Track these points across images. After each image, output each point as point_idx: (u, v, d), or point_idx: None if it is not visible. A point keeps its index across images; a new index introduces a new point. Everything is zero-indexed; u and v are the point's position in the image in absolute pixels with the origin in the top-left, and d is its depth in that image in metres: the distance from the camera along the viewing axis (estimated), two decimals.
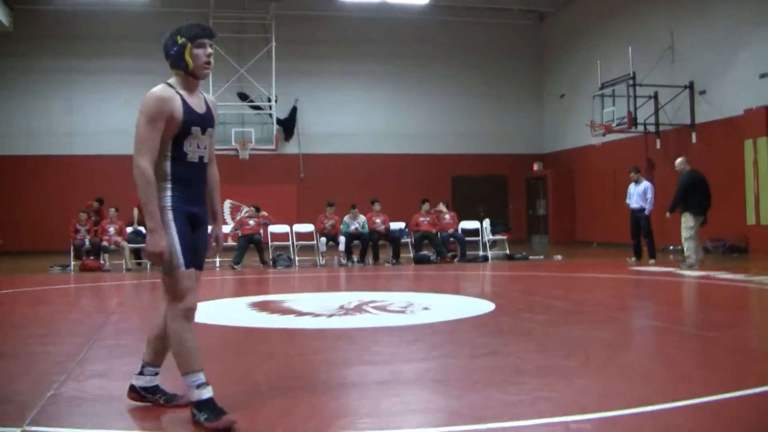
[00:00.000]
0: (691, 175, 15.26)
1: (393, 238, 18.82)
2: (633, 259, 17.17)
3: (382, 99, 28.53)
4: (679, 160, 15.75)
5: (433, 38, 28.60)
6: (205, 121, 4.40)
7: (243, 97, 26.82)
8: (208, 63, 4.39)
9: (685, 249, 15.15)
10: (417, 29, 28.19)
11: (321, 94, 27.79)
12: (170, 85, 4.31)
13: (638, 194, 17.14)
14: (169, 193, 4.24)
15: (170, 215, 4.23)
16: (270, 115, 26.65)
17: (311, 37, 27.41)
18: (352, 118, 28.06)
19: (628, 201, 17.42)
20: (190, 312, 4.34)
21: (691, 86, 21.35)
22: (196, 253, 4.41)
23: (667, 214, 15.71)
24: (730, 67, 19.94)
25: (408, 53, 28.45)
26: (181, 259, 4.26)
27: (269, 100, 26.51)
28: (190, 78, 4.39)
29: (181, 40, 4.35)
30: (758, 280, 12.33)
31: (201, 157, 4.38)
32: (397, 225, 19.45)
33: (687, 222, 15.07)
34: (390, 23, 27.56)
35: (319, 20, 27.32)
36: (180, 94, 4.28)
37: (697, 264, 14.80)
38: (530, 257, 19.55)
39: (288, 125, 27.61)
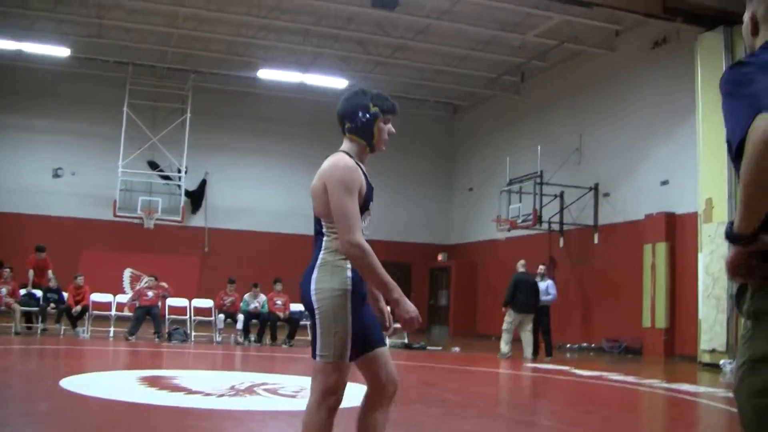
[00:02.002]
0: (515, 277, 16.97)
1: (292, 319, 18.62)
2: (530, 355, 17.30)
3: (294, 178, 28.41)
4: (518, 262, 17.49)
5: None
6: (373, 195, 4.11)
7: (153, 165, 26.52)
8: (387, 140, 4.21)
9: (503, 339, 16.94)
10: (333, 111, 28.10)
11: (232, 168, 27.63)
12: (348, 155, 4.05)
13: (541, 291, 17.35)
14: (349, 273, 3.91)
15: (349, 301, 3.88)
16: (179, 185, 26.36)
17: (227, 111, 27.34)
18: (261, 195, 27.92)
19: None
20: (336, 408, 3.96)
21: (595, 188, 21.90)
22: (366, 337, 3.99)
23: (503, 309, 17.14)
24: (634, 173, 20.56)
25: (323, 135, 28.25)
26: (348, 351, 3.88)
27: (179, 171, 26.24)
28: (367, 150, 4.16)
29: (374, 109, 4.14)
30: (648, 383, 12.51)
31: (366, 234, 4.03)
32: (297, 307, 19.27)
33: (507, 317, 16.90)
34: (307, 104, 27.65)
35: (236, 95, 27.27)
36: (359, 165, 4.03)
37: (509, 354, 16.68)
38: (428, 347, 19.53)
39: (196, 197, 27.33)
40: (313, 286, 3.90)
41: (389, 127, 4.19)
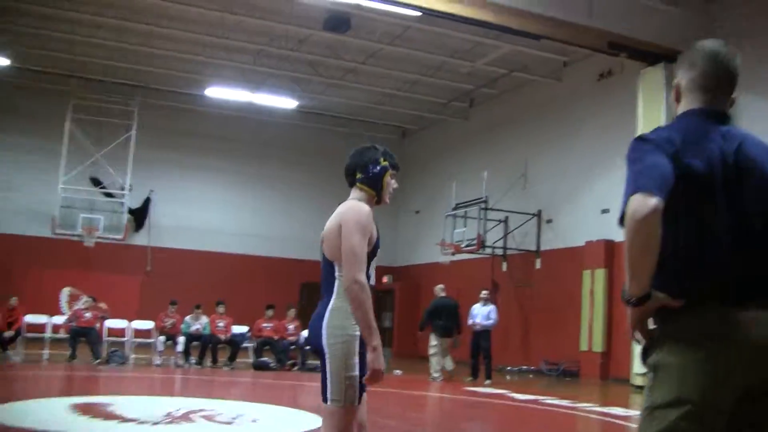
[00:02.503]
0: (434, 302, 17.61)
1: (233, 341, 18.57)
2: (469, 378, 17.47)
3: (240, 198, 28.42)
4: (436, 287, 18.02)
5: (296, 142, 28.83)
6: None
7: (96, 182, 25.98)
8: (392, 194, 4.52)
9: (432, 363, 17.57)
10: (282, 132, 28.39)
11: (177, 186, 27.35)
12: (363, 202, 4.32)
13: (483, 315, 17.53)
14: (354, 321, 4.05)
15: (357, 347, 4.04)
16: (122, 203, 25.95)
17: (175, 128, 27.09)
18: (206, 214, 27.70)
19: (471, 321, 17.73)
20: None
21: (539, 214, 22.22)
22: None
23: (418, 333, 18.09)
24: (576, 200, 20.90)
25: (270, 155, 28.56)
26: (357, 394, 4.04)
27: (123, 188, 25.82)
28: (375, 200, 4.42)
29: (384, 163, 4.46)
30: (582, 407, 12.73)
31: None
32: (239, 329, 19.23)
33: (431, 341, 17.52)
34: (256, 124, 27.63)
35: (185, 113, 27.06)
36: None
37: (440, 377, 17.34)
38: None
39: (140, 215, 26.88)
40: (325, 331, 4.04)
41: (394, 182, 4.51)
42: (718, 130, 2.93)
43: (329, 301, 4.14)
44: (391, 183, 4.51)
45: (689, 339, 2.73)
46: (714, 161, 2.83)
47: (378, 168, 4.45)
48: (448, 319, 17.29)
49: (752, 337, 2.68)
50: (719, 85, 3.04)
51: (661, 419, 2.72)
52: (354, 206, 4.26)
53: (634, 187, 2.69)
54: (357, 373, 4.02)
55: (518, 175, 22.92)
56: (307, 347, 4.18)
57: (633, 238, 2.65)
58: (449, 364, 17.63)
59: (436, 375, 17.41)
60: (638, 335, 2.87)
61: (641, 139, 2.91)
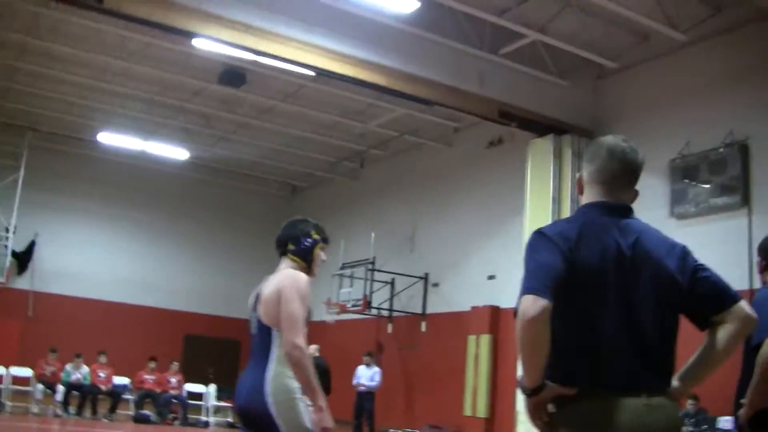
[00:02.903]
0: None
1: (114, 392, 18.17)
2: None
3: (127, 246, 27.91)
4: (311, 347, 17.67)
5: (186, 193, 28.58)
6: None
7: None
8: (319, 267, 4.82)
9: None
10: (172, 182, 28.11)
11: (64, 231, 26.69)
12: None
13: (367, 377, 17.57)
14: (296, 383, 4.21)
15: (304, 406, 4.21)
16: (5, 246, 25.20)
17: (64, 172, 26.49)
18: (92, 260, 27.07)
19: (355, 382, 17.75)
20: None
21: (426, 278, 22.45)
22: None
23: None
24: (463, 265, 21.23)
25: (161, 205, 28.23)
26: None
27: (7, 230, 25.08)
28: (304, 272, 4.59)
29: (316, 236, 4.74)
30: None
31: None
32: (121, 380, 18.83)
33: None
34: (146, 172, 27.29)
35: (75, 157, 26.51)
36: None
37: None
38: None
39: (23, 258, 26.16)
40: (271, 398, 4.17)
41: (323, 254, 4.79)
42: (617, 224, 3.12)
43: (265, 366, 4.25)
44: (320, 255, 4.78)
45: (577, 425, 2.92)
46: (608, 255, 3.02)
47: (309, 241, 4.70)
48: (323, 379, 17.25)
49: (633, 424, 2.87)
50: (618, 178, 3.22)
51: None
52: (293, 275, 4.46)
53: (525, 287, 2.89)
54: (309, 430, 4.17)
55: (406, 237, 23.18)
56: (240, 412, 4.37)
57: (523, 336, 2.84)
58: None
59: None
60: (536, 422, 3.04)
61: (539, 233, 3.12)
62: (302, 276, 4.50)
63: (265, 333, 4.35)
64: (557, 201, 16.82)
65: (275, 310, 4.33)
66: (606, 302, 2.97)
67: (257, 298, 4.55)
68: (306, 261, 4.69)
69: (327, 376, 17.32)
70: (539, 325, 2.79)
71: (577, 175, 3.37)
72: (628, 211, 3.20)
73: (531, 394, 2.94)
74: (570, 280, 2.93)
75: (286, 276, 4.46)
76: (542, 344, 2.83)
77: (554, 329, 2.85)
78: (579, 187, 3.35)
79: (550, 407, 2.99)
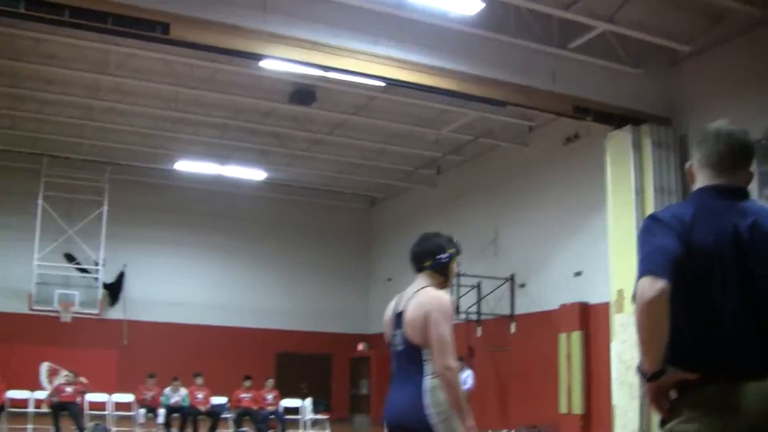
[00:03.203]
0: None
1: (213, 412, 18.47)
2: None
3: (213, 270, 28.39)
4: None
5: (266, 214, 28.93)
6: None
7: (70, 258, 26.02)
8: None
9: None
10: (251, 204, 28.48)
11: (151, 260, 27.33)
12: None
13: (461, 381, 17.49)
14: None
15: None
16: (96, 278, 25.93)
17: (145, 203, 27.14)
18: (180, 287, 27.64)
19: None
20: None
21: (512, 279, 22.30)
22: None
23: None
24: (548, 264, 21.04)
25: (241, 226, 28.61)
26: None
27: (96, 264, 25.85)
28: (442, 286, 4.66)
29: (451, 250, 4.75)
30: None
31: None
32: (218, 399, 19.13)
33: None
34: (225, 196, 27.74)
35: (154, 187, 27.16)
36: None
37: None
38: None
39: (114, 290, 26.88)
40: (430, 411, 4.28)
41: (456, 265, 4.86)
42: (732, 206, 3.06)
43: (420, 381, 4.40)
44: (454, 269, 4.85)
45: (701, 410, 2.87)
46: (725, 237, 2.97)
47: (446, 256, 4.73)
48: None
49: (758, 408, 2.82)
50: (726, 161, 3.17)
51: None
52: (437, 297, 4.52)
53: (642, 270, 2.86)
54: None
55: (489, 240, 23.06)
56: (396, 427, 4.45)
57: (641, 320, 2.83)
58: None
59: None
60: (657, 408, 3.01)
61: (653, 218, 3.07)
62: (446, 297, 4.56)
63: (415, 351, 4.47)
64: (640, 192, 16.55)
65: (423, 331, 4.44)
66: (724, 285, 2.93)
67: (400, 316, 4.63)
68: (444, 275, 4.74)
69: None
70: (658, 307, 2.77)
71: (687, 164, 3.35)
72: (742, 193, 3.16)
73: (651, 378, 2.91)
74: (687, 263, 2.89)
75: (432, 298, 4.51)
76: (661, 327, 2.81)
77: (673, 313, 2.82)
78: (690, 176, 3.30)
79: (672, 393, 2.96)
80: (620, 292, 16.51)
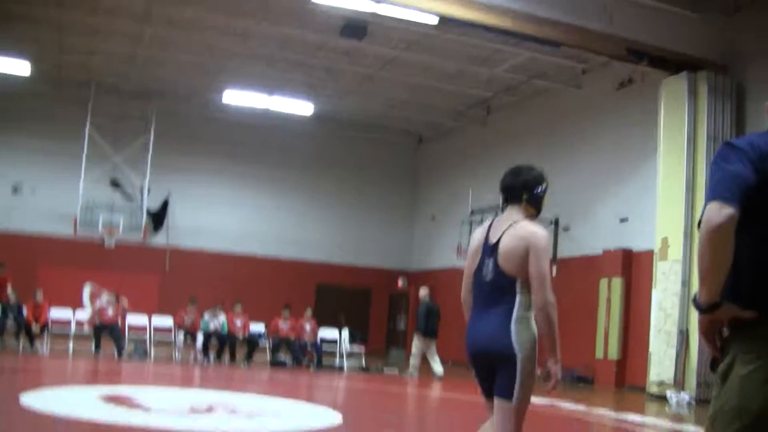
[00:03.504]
0: (427, 306, 19.18)
1: (251, 340, 18.73)
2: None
3: (257, 201, 28.58)
4: (423, 291, 19.61)
5: (313, 148, 28.95)
6: None
7: (115, 184, 26.29)
8: None
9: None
10: (298, 137, 28.49)
11: (195, 190, 27.53)
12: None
13: None
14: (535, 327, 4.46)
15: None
16: (141, 205, 26.24)
17: (191, 132, 27.25)
18: (223, 216, 27.90)
19: None
20: None
21: (556, 222, 22.19)
22: None
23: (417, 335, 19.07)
24: (594, 209, 20.90)
25: (287, 159, 28.69)
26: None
27: (142, 191, 26.13)
28: (532, 218, 4.67)
29: (545, 185, 4.74)
30: (597, 412, 12.77)
31: None
32: (256, 327, 19.38)
33: (417, 342, 18.88)
34: (272, 129, 27.74)
35: (201, 118, 27.19)
36: None
37: (415, 374, 18.63)
38: (386, 370, 19.66)
39: (158, 217, 27.17)
40: (515, 338, 4.37)
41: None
42: None
43: (510, 311, 4.43)
44: (544, 202, 4.83)
45: (756, 351, 2.76)
46: None
47: (541, 189, 4.72)
48: (433, 322, 18.85)
49: None
50: None
51: (722, 427, 2.77)
52: (538, 231, 4.51)
53: (712, 195, 2.75)
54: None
55: None
56: (479, 353, 4.54)
57: (705, 246, 2.72)
58: (438, 368, 18.64)
59: (414, 373, 18.66)
60: (708, 343, 2.90)
61: (729, 145, 2.94)
62: (544, 232, 4.55)
63: (506, 281, 4.47)
64: (692, 141, 16.30)
65: (518, 260, 4.44)
66: None
67: (495, 245, 4.58)
68: (536, 208, 4.71)
69: (436, 319, 18.75)
70: (724, 233, 2.67)
71: (766, 103, 3.24)
72: None
73: (706, 310, 2.79)
74: (759, 194, 2.78)
75: (531, 232, 4.50)
76: (725, 255, 2.70)
77: (738, 245, 2.71)
78: None
79: (725, 330, 2.86)
80: (665, 240, 16.38)
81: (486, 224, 4.76)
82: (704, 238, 2.71)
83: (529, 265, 4.39)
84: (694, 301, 2.84)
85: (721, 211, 2.68)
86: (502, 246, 4.50)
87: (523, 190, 4.68)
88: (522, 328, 4.39)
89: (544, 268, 4.39)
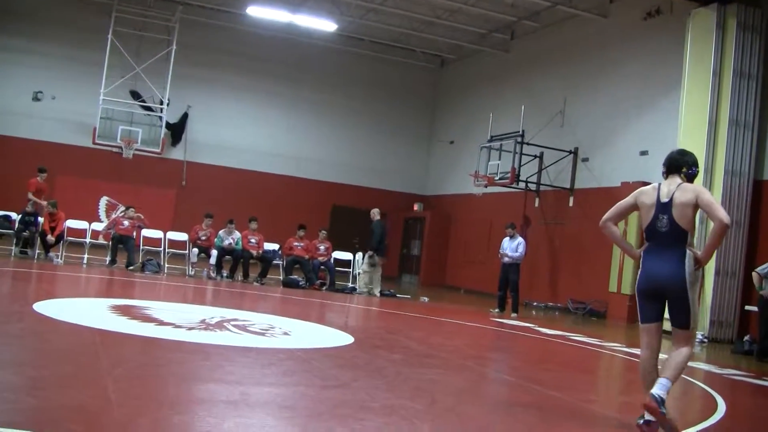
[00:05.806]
0: (382, 224, 19.16)
1: (265, 258, 18.79)
2: (496, 310, 17.52)
3: (275, 118, 28.49)
4: (373, 210, 19.48)
5: (334, 66, 28.76)
6: None
7: (135, 95, 26.19)
8: None
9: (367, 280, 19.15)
10: (320, 55, 28.29)
11: (215, 104, 27.51)
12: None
13: (512, 249, 17.47)
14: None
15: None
16: (160, 117, 26.13)
17: (214, 46, 27.12)
18: (242, 132, 27.87)
19: (500, 253, 17.71)
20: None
21: (575, 152, 22.05)
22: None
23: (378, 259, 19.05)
24: (614, 140, 20.71)
25: (308, 77, 28.53)
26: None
27: (161, 103, 25.99)
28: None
29: (697, 169, 6.10)
30: (608, 346, 12.79)
31: None
32: (270, 246, 19.41)
33: (369, 260, 18.96)
34: (294, 45, 27.56)
35: (224, 31, 27.05)
36: None
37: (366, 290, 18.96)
38: (398, 295, 19.74)
39: (177, 130, 27.16)
40: (688, 277, 5.69)
41: None
42: None
43: (682, 255, 5.70)
44: None
45: None
46: None
47: (695, 169, 6.05)
48: (380, 241, 18.89)
49: None
50: None
51: None
52: (702, 189, 5.84)
53: None
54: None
55: (556, 111, 22.71)
56: (659, 286, 5.93)
57: None
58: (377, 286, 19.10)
59: (365, 290, 19.01)
60: None
61: None
62: (705, 188, 5.97)
63: (680, 231, 5.73)
64: (718, 75, 16.06)
65: (690, 213, 5.71)
66: None
67: (669, 202, 5.78)
68: (689, 182, 5.95)
69: (384, 239, 19.08)
70: None
71: None
72: None
73: None
74: None
75: (697, 188, 5.80)
76: None
77: None
78: None
79: None
80: None
81: (650, 187, 6.04)
82: None
83: (701, 206, 5.67)
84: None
85: None
86: (675, 200, 5.76)
87: (685, 165, 6.00)
88: (690, 268, 5.68)
89: (714, 201, 5.71)
